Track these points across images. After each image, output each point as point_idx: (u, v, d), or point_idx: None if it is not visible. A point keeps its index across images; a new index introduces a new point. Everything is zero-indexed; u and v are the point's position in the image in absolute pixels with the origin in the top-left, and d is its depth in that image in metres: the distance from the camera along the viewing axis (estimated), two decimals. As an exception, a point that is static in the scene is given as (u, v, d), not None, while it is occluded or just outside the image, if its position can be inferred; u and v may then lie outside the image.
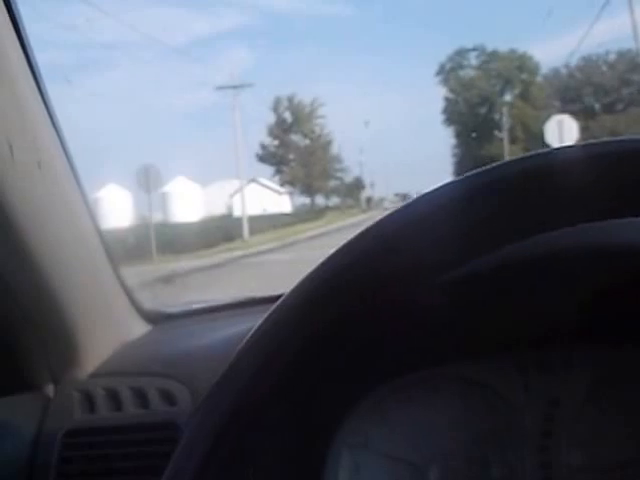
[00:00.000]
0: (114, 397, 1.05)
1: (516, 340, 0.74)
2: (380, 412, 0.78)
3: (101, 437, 1.03)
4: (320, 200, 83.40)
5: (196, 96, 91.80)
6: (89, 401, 1.06)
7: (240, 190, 36.70)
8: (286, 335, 0.55)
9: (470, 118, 60.52)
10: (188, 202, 45.09)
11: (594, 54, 59.37)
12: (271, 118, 74.21)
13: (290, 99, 74.04)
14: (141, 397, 1.04)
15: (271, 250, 22.12)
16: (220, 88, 35.44)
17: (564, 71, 65.57)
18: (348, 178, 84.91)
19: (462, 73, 62.26)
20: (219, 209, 45.02)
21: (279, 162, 73.89)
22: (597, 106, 61.38)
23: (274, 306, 0.56)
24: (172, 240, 23.75)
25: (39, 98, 0.97)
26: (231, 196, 64.84)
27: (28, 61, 0.93)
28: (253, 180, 68.38)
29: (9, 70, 0.89)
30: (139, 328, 1.26)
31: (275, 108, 74.32)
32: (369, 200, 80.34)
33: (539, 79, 59.50)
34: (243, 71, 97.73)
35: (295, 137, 74.88)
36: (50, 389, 1.09)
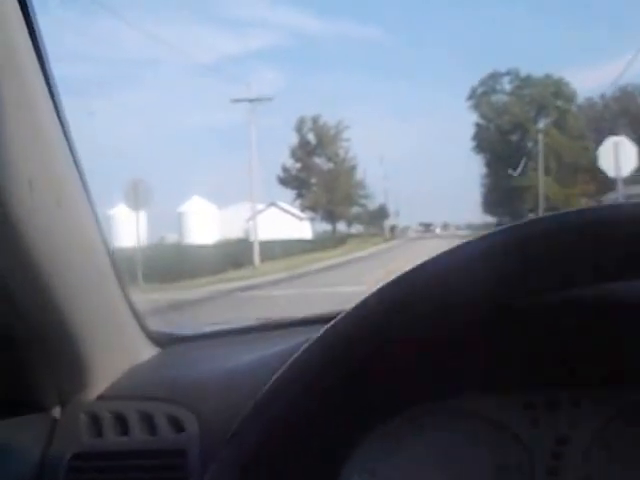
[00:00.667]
0: (121, 421, 1.04)
1: (529, 378, 0.76)
2: (391, 442, 0.79)
3: (108, 462, 1.03)
4: (342, 227, 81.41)
5: (221, 115, 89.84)
6: (96, 424, 1.05)
7: (255, 213, 33.77)
8: (320, 371, 0.59)
9: (501, 146, 57.57)
10: (204, 223, 42.94)
11: (631, 84, 56.46)
12: (294, 139, 71.89)
13: (315, 120, 71.53)
14: (149, 422, 1.03)
15: (276, 282, 19.57)
16: (236, 101, 32.88)
17: (599, 102, 62.92)
18: (372, 205, 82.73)
19: (494, 98, 59.39)
20: (236, 232, 43.19)
21: (301, 186, 71.37)
22: (634, 138, 58.28)
23: (309, 342, 0.60)
24: (177, 264, 22.07)
25: (61, 134, 0.97)
26: (248, 219, 63.30)
27: (52, 97, 0.94)
28: (273, 204, 66.04)
29: (32, 106, 0.91)
30: (148, 351, 1.23)
31: (299, 129, 71.87)
32: (393, 229, 77.38)
33: (575, 108, 56.77)
34: (271, 91, 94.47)
35: (318, 160, 72.31)
36: (57, 411, 1.08)
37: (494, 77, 57.93)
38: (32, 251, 0.91)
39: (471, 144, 61.82)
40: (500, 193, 58.28)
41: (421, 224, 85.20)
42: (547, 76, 55.94)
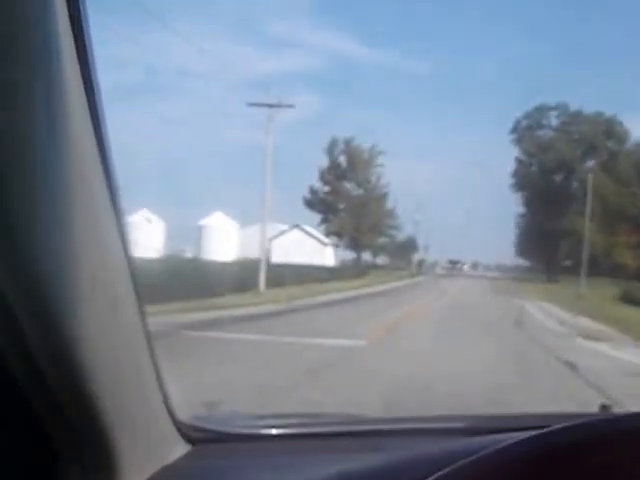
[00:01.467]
0: None
1: None
2: None
3: None
4: (368, 256, 78.21)
5: (256, 133, 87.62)
6: None
7: (262, 229, 31.37)
8: None
9: (543, 184, 53.72)
10: (223, 239, 41.45)
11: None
12: (325, 161, 68.90)
13: (347, 142, 68.43)
14: None
15: (263, 315, 16.41)
16: (252, 105, 29.79)
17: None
18: (400, 237, 79.70)
19: (539, 133, 55.71)
20: (257, 252, 38.28)
21: (327, 210, 68.26)
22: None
23: None
24: (174, 280, 19.77)
25: (118, 232, 0.95)
26: (270, 239, 61.16)
27: (111, 192, 0.92)
28: (296, 226, 63.53)
29: (92, 203, 0.89)
30: (179, 448, 1.18)
31: (330, 150, 68.74)
32: (421, 263, 74.01)
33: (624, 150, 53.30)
34: (308, 113, 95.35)
35: (348, 185, 69.24)
36: None
37: (540, 110, 54.37)
38: (79, 346, 0.87)
39: (510, 181, 58.46)
40: (536, 235, 54.91)
41: (450, 261, 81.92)
42: (598, 113, 52.31)
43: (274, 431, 1.35)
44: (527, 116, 54.62)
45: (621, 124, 51.36)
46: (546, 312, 22.18)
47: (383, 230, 71.95)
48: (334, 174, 68.05)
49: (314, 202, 68.14)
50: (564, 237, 50.37)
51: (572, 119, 53.26)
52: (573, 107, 53.36)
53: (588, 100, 77.61)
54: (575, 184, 51.86)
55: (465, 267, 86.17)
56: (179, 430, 1.18)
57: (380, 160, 69.28)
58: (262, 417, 1.54)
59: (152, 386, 1.10)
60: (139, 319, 1.03)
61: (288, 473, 1.02)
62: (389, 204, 72.29)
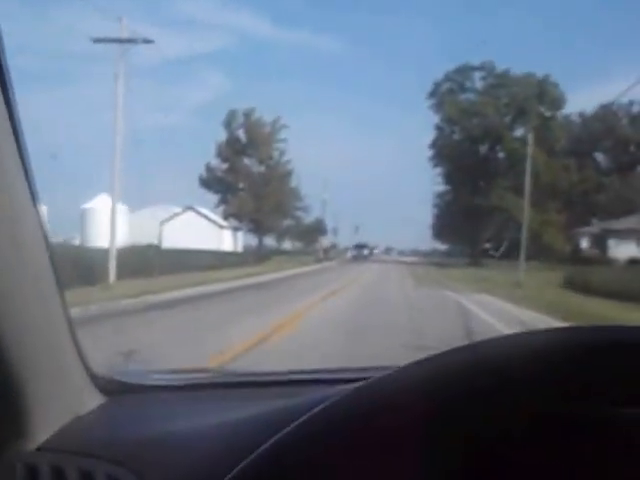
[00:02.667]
0: (60, 476, 0.99)
1: None
2: None
3: None
4: (274, 242, 71.42)
5: (156, 116, 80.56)
6: (33, 477, 0.99)
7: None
8: (288, 465, 0.60)
9: (466, 156, 47.28)
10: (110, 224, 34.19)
11: (617, 104, 47.52)
12: (223, 136, 61.63)
13: (247, 114, 61.37)
14: None
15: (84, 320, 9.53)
16: (98, 41, 22.29)
17: (578, 120, 53.83)
18: (309, 219, 73.20)
19: (463, 97, 48.73)
20: (149, 237, 37.39)
21: (226, 190, 61.07)
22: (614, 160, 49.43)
23: (276, 439, 0.62)
24: None
25: (22, 171, 0.98)
26: (162, 223, 54.55)
27: (14, 130, 0.96)
28: (190, 208, 56.79)
29: (6, 185, 0.94)
30: (94, 399, 1.20)
31: (228, 123, 61.55)
32: (328, 249, 66.64)
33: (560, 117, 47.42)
34: (219, 95, 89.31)
35: (248, 162, 62.21)
36: None
37: (463, 72, 47.86)
38: None
39: (428, 153, 51.88)
40: (458, 214, 48.88)
41: (357, 245, 74.10)
42: (529, 74, 45.96)
43: (185, 382, 1.43)
44: (448, 78, 48.07)
45: (556, 86, 45.39)
46: (493, 310, 15.61)
47: (287, 211, 65.26)
48: (232, 149, 60.78)
49: (211, 181, 60.82)
50: (490, 216, 44.72)
51: (500, 80, 46.91)
52: (500, 67, 47.06)
53: (517, 60, 72.17)
54: (502, 155, 46.03)
55: (376, 251, 79.02)
56: (94, 382, 1.20)
57: (283, 134, 62.54)
58: (175, 371, 1.68)
59: (65, 338, 1.10)
60: (51, 273, 1.04)
61: (194, 419, 1.04)
62: (293, 182, 65.73)
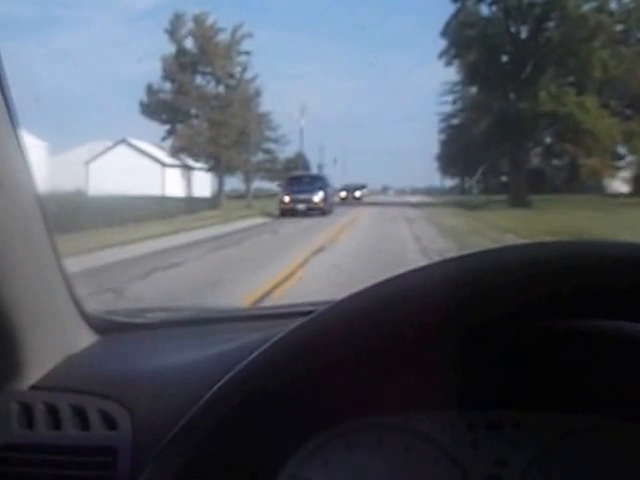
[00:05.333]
0: (54, 413, 1.03)
1: (471, 399, 0.78)
2: (321, 457, 0.82)
3: (38, 455, 1.01)
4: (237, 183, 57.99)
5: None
6: (28, 415, 1.03)
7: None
8: (262, 383, 0.63)
9: (501, 39, 32.74)
10: None
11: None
12: (169, 49, 47.67)
13: (198, 20, 47.27)
14: (81, 416, 1.03)
15: None
16: None
17: None
18: (288, 154, 59.50)
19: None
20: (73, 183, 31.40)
21: (173, 118, 47.35)
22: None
23: (253, 356, 0.64)
24: None
25: (6, 116, 1.00)
26: (87, 163, 41.79)
27: (12, 127, 1.00)
28: (123, 141, 44.48)
29: None
30: (86, 338, 1.22)
31: (173, 31, 47.51)
32: None
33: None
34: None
35: (202, 80, 48.38)
36: None
37: None
38: None
39: (439, 46, 37.10)
40: (486, 133, 35.56)
41: (345, 187, 58.07)
42: None
43: (174, 319, 1.49)
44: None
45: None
46: None
47: (255, 143, 51.63)
48: (179, 65, 46.87)
49: (154, 108, 47.04)
50: (532, 125, 31.00)
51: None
52: None
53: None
54: (556, 35, 31.62)
55: (364, 191, 63.03)
56: (86, 322, 1.22)
57: (247, 45, 48.59)
58: (163, 308, 1.75)
59: (56, 279, 1.13)
60: (40, 216, 1.07)
61: (183, 354, 1.09)
62: (263, 107, 51.93)
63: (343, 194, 48.89)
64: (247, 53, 48.79)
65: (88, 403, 1.02)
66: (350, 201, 48.13)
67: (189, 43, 47.42)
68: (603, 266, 0.59)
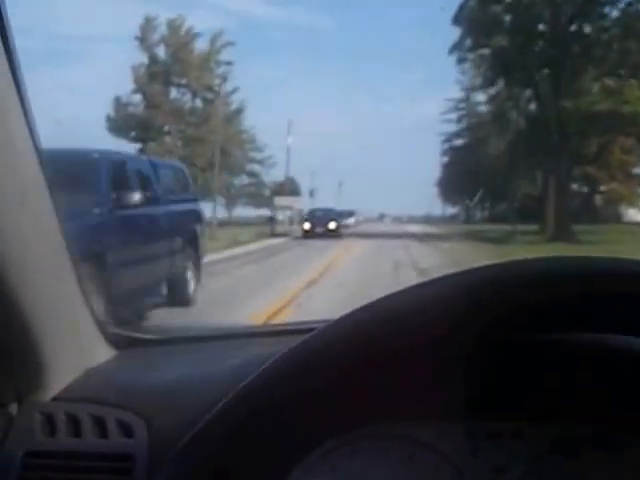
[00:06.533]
0: (74, 423, 1.11)
1: (469, 409, 0.80)
2: (328, 464, 0.84)
3: (60, 461, 1.08)
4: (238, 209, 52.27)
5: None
6: (50, 424, 1.11)
7: None
8: (270, 397, 0.66)
9: (532, 23, 26.02)
10: None
11: None
12: (139, 58, 42.44)
13: (172, 25, 42.07)
14: (100, 426, 1.10)
15: None
16: None
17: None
18: (276, 177, 53.78)
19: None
20: None
21: (144, 133, 41.99)
22: None
23: (262, 369, 0.67)
24: None
25: (28, 135, 1.04)
26: None
27: (20, 97, 1.01)
28: None
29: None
30: (105, 353, 1.29)
31: (143, 37, 42.18)
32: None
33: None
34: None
35: (176, 93, 43.15)
36: (14, 408, 1.14)
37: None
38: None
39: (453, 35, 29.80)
40: (515, 138, 29.51)
41: (310, 213, 37.49)
42: None
43: (189, 335, 1.56)
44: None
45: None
46: None
47: (237, 164, 46.27)
48: (150, 75, 41.60)
49: (122, 123, 41.60)
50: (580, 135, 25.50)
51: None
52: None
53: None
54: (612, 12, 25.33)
55: (351, 220, 53.09)
56: (105, 337, 1.28)
57: (227, 54, 43.38)
58: (178, 326, 2.15)
59: (76, 297, 1.18)
60: (59, 231, 1.11)
61: (199, 367, 1.19)
62: (246, 124, 46.62)
63: (307, 226, 33.73)
64: (228, 63, 43.64)
65: (107, 413, 1.09)
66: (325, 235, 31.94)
67: (162, 51, 42.13)
68: (591, 280, 0.62)
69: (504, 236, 25.56)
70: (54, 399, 1.13)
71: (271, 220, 35.64)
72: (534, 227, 28.07)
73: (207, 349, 1.39)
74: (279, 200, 41.21)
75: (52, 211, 1.10)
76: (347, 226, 37.03)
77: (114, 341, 1.31)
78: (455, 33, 29.07)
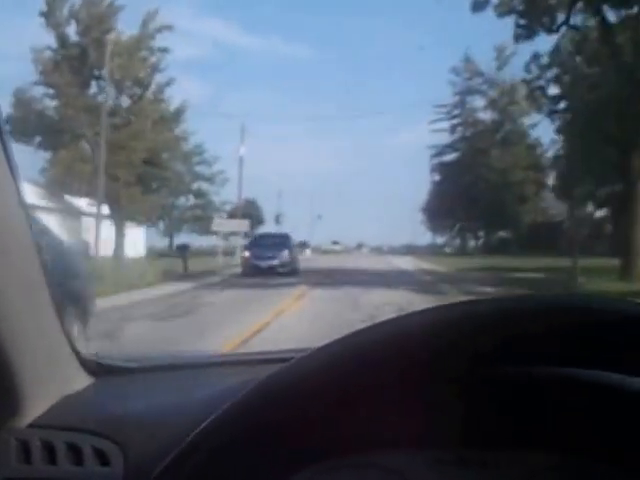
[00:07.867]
0: (50, 450, 1.09)
1: (438, 437, 0.81)
2: None
3: None
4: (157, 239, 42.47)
5: None
6: (26, 451, 1.10)
7: None
8: (236, 432, 0.69)
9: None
10: None
11: None
12: (45, 39, 33.06)
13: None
14: (76, 453, 1.09)
15: None
16: None
17: None
18: (231, 199, 44.05)
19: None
20: None
21: (55, 140, 32.38)
22: None
23: (220, 411, 0.69)
24: None
25: (9, 172, 1.05)
26: None
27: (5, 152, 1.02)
28: None
29: None
30: (81, 380, 1.29)
31: (50, 12, 32.46)
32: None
33: None
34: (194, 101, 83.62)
35: (96, 87, 33.71)
36: None
37: None
38: None
39: None
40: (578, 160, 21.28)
41: (257, 239, 26.44)
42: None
43: (165, 363, 1.58)
44: None
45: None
46: None
47: (176, 180, 36.69)
48: (54, 64, 31.96)
49: (27, 124, 31.77)
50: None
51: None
52: None
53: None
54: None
55: (306, 253, 44.59)
56: (81, 365, 1.28)
57: (163, 41, 33.93)
58: (153, 354, 1.89)
59: (53, 325, 1.19)
60: (36, 259, 1.12)
61: (173, 396, 1.18)
62: (186, 128, 37.15)
63: (247, 257, 23.90)
64: (164, 50, 34.21)
65: (82, 441, 1.08)
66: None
67: (73, 31, 32.52)
68: (551, 316, 0.64)
69: (565, 280, 16.05)
70: (30, 426, 1.11)
71: (182, 251, 23.98)
72: (596, 261, 19.76)
73: (183, 377, 1.39)
74: (219, 224, 31.58)
75: (30, 243, 1.10)
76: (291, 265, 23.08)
77: (91, 369, 1.30)
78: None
